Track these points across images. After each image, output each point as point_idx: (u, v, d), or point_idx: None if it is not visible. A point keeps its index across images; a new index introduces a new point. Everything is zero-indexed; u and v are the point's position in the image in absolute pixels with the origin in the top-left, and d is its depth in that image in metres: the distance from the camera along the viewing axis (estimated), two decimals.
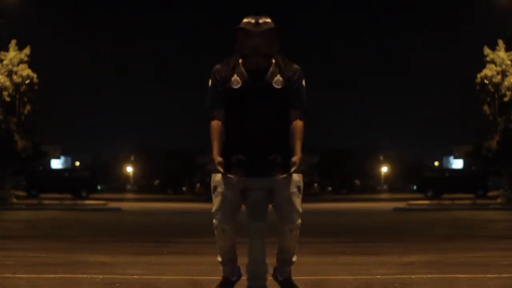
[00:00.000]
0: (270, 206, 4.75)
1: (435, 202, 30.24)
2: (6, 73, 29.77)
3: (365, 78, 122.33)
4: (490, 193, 36.48)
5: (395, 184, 72.13)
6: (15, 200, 29.92)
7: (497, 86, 30.22)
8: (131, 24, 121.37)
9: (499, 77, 30.15)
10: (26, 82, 30.06)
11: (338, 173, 64.42)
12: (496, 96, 30.47)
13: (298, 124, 4.55)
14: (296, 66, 4.59)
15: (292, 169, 4.52)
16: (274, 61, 4.52)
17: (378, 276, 6.36)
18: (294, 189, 4.73)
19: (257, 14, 4.54)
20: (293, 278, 5.36)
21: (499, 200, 30.48)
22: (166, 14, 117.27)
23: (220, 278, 6.16)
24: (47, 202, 29.54)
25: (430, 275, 6.32)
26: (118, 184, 72.11)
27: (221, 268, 5.08)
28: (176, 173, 64.55)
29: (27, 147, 30.58)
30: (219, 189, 4.59)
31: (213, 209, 4.70)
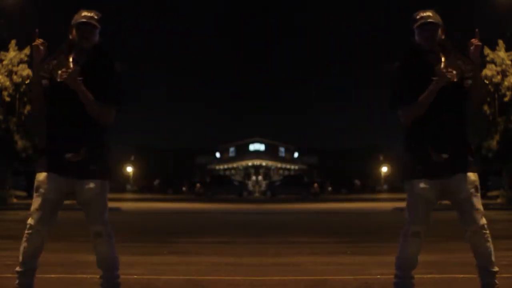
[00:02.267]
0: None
1: None
2: (6, 73, 29.77)
3: (365, 78, 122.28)
4: (490, 193, 36.47)
5: (395, 184, 72.14)
6: (15, 200, 29.91)
7: (497, 86, 30.22)
8: (131, 24, 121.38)
9: (499, 77, 30.15)
10: (26, 82, 30.05)
11: (338, 173, 64.41)
12: (496, 96, 30.47)
13: None
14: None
15: None
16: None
17: (378, 276, 6.36)
18: None
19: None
20: (293, 278, 5.37)
21: (499, 200, 30.47)
22: (166, 14, 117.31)
23: (219, 278, 6.18)
24: None
25: (430, 275, 6.33)
26: (118, 184, 72.13)
27: (17, 282, 4.74)
28: (176, 173, 64.55)
29: (27, 147, 30.58)
30: (41, 190, 4.57)
31: (32, 208, 4.61)
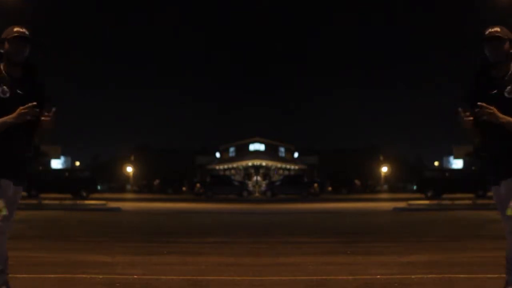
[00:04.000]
0: None
1: (435, 202, 30.21)
2: None
3: (365, 78, 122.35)
4: (490, 193, 36.47)
5: (395, 184, 72.18)
6: None
7: None
8: (131, 24, 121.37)
9: None
10: None
11: (338, 173, 64.43)
12: None
13: None
14: None
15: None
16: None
17: (378, 276, 6.36)
18: None
19: None
20: (293, 278, 5.36)
21: None
22: (167, 14, 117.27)
23: (219, 278, 6.19)
24: (47, 202, 29.51)
25: (430, 275, 6.33)
26: (118, 184, 72.15)
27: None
28: (176, 173, 64.55)
29: None
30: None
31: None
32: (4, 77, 4.66)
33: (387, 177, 75.14)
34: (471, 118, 4.65)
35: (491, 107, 4.47)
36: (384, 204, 30.48)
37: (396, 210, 24.23)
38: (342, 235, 12.85)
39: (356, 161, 77.57)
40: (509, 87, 4.55)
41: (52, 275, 6.35)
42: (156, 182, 60.77)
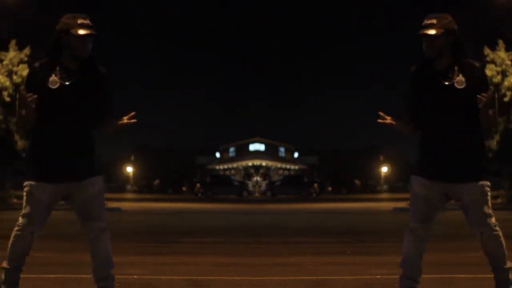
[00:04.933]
0: None
1: None
2: (6, 73, 29.77)
3: (365, 78, 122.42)
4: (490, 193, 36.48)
5: (395, 184, 72.13)
6: (15, 200, 29.91)
7: (497, 86, 30.21)
8: (130, 24, 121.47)
9: (499, 77, 30.15)
10: None
11: (338, 173, 64.42)
12: (496, 96, 30.44)
13: None
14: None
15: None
16: None
17: (378, 276, 6.36)
18: None
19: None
20: (293, 278, 5.36)
21: (499, 200, 30.48)
22: (167, 14, 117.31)
23: (219, 278, 6.18)
24: None
25: (430, 275, 6.33)
26: (118, 184, 72.12)
27: (2, 278, 4.61)
28: (176, 173, 64.55)
29: (27, 147, 30.58)
30: (34, 193, 4.53)
31: (23, 208, 4.62)
32: (58, 67, 4.44)
33: (387, 177, 75.10)
34: (389, 121, 4.58)
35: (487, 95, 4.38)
36: (384, 204, 30.48)
37: (396, 210, 24.23)
38: (342, 235, 12.86)
39: (356, 161, 77.48)
40: (458, 77, 4.43)
41: (52, 275, 6.35)
42: (156, 182, 60.77)
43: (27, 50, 30.41)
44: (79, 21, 4.44)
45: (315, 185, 49.35)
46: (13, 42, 30.31)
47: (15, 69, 29.94)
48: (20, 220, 4.63)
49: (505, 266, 4.52)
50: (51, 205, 4.61)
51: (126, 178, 75.74)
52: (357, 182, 59.83)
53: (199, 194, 47.20)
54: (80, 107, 4.40)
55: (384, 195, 51.10)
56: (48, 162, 4.43)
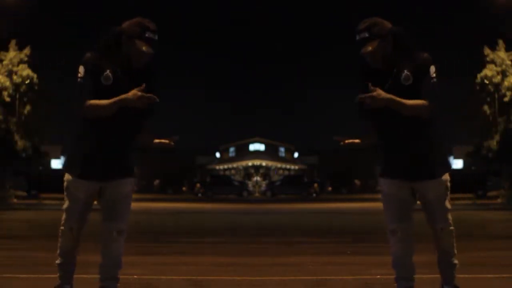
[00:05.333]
0: None
1: None
2: (6, 73, 29.77)
3: None
4: (490, 193, 36.46)
5: None
6: (15, 200, 29.94)
7: (497, 86, 30.22)
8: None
9: (499, 77, 30.15)
10: (26, 82, 30.06)
11: (338, 173, 64.41)
12: (496, 96, 30.47)
13: None
14: None
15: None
16: None
17: (378, 276, 6.36)
18: None
19: None
20: (294, 278, 5.35)
21: (499, 200, 30.49)
22: (167, 14, 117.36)
23: (219, 278, 6.18)
24: (47, 202, 29.54)
25: (430, 275, 6.33)
26: None
27: (58, 274, 4.72)
28: (176, 173, 64.53)
29: (27, 147, 30.57)
30: (71, 189, 4.62)
31: (64, 205, 4.70)
32: (111, 63, 4.34)
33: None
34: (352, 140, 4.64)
35: (375, 90, 4.27)
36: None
37: None
38: (342, 235, 12.86)
39: (356, 161, 77.47)
40: (404, 74, 4.35)
41: (52, 275, 6.34)
42: (156, 182, 60.74)
43: (27, 50, 30.43)
44: (147, 35, 4.39)
45: (315, 185, 49.32)
46: (13, 42, 30.33)
47: (15, 69, 29.96)
48: (62, 215, 4.72)
49: (454, 262, 4.66)
50: (88, 202, 4.64)
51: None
52: (357, 182, 59.79)
53: (199, 194, 47.19)
54: (127, 107, 4.32)
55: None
56: (86, 158, 4.47)
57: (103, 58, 4.34)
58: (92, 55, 4.35)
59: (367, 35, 4.39)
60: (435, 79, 4.35)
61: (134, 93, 4.24)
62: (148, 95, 4.29)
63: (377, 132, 4.63)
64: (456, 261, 4.68)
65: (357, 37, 4.45)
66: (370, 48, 4.36)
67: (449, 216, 4.70)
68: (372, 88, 4.29)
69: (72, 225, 4.67)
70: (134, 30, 4.36)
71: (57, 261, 4.69)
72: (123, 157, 4.54)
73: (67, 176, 4.60)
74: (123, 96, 4.23)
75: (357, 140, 4.71)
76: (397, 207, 4.60)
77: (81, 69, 4.32)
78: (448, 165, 4.67)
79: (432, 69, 4.36)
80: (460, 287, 4.72)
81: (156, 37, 4.45)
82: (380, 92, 4.26)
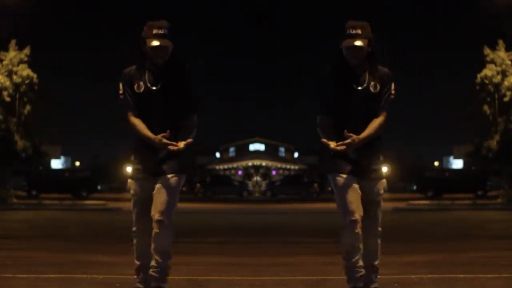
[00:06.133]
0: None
1: (435, 202, 30.23)
2: (6, 73, 29.77)
3: None
4: (490, 193, 36.47)
5: (395, 184, 72.13)
6: (15, 200, 29.92)
7: (497, 86, 30.21)
8: (131, 24, 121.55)
9: (499, 77, 30.15)
10: (26, 82, 30.06)
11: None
12: (496, 96, 30.47)
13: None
14: None
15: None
16: None
17: (378, 276, 6.35)
18: None
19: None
20: (294, 278, 5.34)
21: (499, 200, 30.48)
22: (168, 14, 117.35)
23: (219, 278, 6.18)
24: (47, 202, 29.54)
25: (430, 275, 6.33)
26: (118, 184, 72.10)
27: (138, 278, 4.95)
28: None
29: (27, 147, 30.59)
30: (131, 191, 4.89)
31: (132, 208, 4.94)
32: (144, 73, 4.76)
33: (387, 177, 75.02)
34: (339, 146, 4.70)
35: (350, 139, 4.59)
36: (384, 204, 30.43)
37: (396, 210, 24.24)
38: None
39: None
40: (373, 82, 4.73)
41: (52, 275, 6.35)
42: None
43: (27, 50, 30.42)
44: (154, 31, 4.69)
45: (315, 185, 49.29)
46: (13, 42, 30.32)
47: (15, 69, 29.95)
48: (132, 218, 4.93)
49: (376, 263, 4.88)
50: (147, 201, 4.80)
51: (126, 178, 75.73)
52: None
53: (199, 194, 47.21)
54: (164, 110, 4.70)
55: (384, 195, 51.03)
56: (139, 159, 4.81)
57: (135, 69, 4.80)
58: (127, 70, 4.82)
59: (360, 32, 4.65)
60: (393, 96, 4.79)
61: (159, 139, 4.62)
62: (171, 144, 4.64)
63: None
64: (377, 263, 4.90)
65: (351, 31, 4.66)
66: (361, 43, 4.64)
67: (380, 218, 4.93)
68: (347, 134, 4.60)
69: (141, 225, 4.85)
70: (145, 32, 4.74)
71: (136, 262, 4.91)
72: (168, 157, 4.77)
73: (130, 180, 4.89)
74: (152, 137, 4.65)
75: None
76: (356, 198, 4.79)
77: (120, 86, 4.82)
78: (382, 171, 4.97)
79: (393, 85, 4.80)
80: None
81: (164, 31, 4.69)
82: (354, 138, 4.61)
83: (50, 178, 39.72)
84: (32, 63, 30.47)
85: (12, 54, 30.11)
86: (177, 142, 4.68)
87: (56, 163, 71.82)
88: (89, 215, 20.65)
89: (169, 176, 4.75)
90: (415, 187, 43.19)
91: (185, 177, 4.90)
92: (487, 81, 30.27)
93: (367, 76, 4.74)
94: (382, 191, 4.93)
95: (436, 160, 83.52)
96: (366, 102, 4.71)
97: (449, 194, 36.14)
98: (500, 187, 31.88)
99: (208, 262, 7.69)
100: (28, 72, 30.02)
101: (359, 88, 4.71)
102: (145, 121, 4.72)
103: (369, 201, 4.85)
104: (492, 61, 30.35)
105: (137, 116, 4.75)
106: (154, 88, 4.72)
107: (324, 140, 4.71)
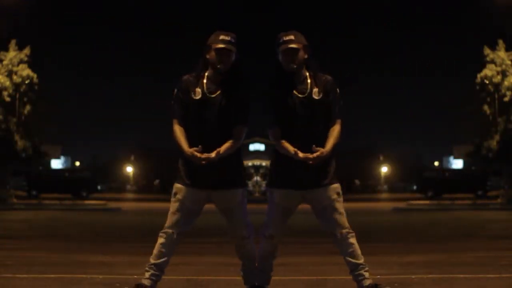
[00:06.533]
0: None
1: (435, 202, 30.23)
2: (6, 73, 29.76)
3: (365, 78, 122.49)
4: (490, 193, 36.46)
5: (395, 184, 72.13)
6: (15, 200, 29.92)
7: (497, 86, 30.20)
8: (131, 24, 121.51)
9: (499, 77, 30.13)
10: (26, 82, 30.05)
11: (338, 173, 64.35)
12: (496, 96, 30.45)
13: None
14: None
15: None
16: None
17: (378, 276, 6.35)
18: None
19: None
20: (293, 278, 5.35)
21: (499, 200, 30.47)
22: (168, 14, 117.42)
23: (219, 278, 6.18)
24: (47, 202, 29.53)
25: (430, 275, 6.33)
26: (118, 184, 72.10)
27: (149, 273, 5.06)
28: (176, 173, 64.48)
29: (27, 147, 30.57)
30: (178, 196, 4.98)
31: (170, 211, 5.06)
32: (204, 80, 4.85)
33: (387, 177, 75.09)
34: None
35: (317, 153, 4.71)
36: (384, 204, 30.48)
37: (396, 210, 24.24)
38: None
39: (356, 161, 77.52)
40: (315, 89, 4.84)
41: (52, 275, 6.35)
42: (156, 182, 60.77)
43: (27, 50, 30.40)
44: (221, 37, 4.81)
45: None
46: (13, 42, 30.30)
47: (15, 69, 29.93)
48: (167, 219, 5.06)
49: (360, 262, 5.00)
50: (195, 209, 5.00)
51: (126, 178, 75.72)
52: (357, 182, 59.81)
53: None
54: (218, 118, 4.78)
55: (384, 195, 51.09)
56: (191, 167, 4.84)
57: (194, 76, 4.88)
58: (185, 77, 4.91)
59: (293, 37, 4.82)
60: (341, 101, 4.94)
61: (191, 152, 4.71)
62: (203, 158, 4.70)
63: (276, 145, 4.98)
64: (362, 261, 5.01)
65: (284, 38, 4.82)
66: (295, 45, 4.79)
67: (346, 221, 5.07)
68: (315, 149, 4.72)
69: (175, 229, 5.01)
70: (211, 39, 4.87)
71: (152, 261, 5.00)
72: (229, 169, 4.90)
73: (177, 184, 4.95)
74: (185, 150, 4.75)
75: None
76: (281, 216, 5.01)
77: (174, 92, 4.89)
78: (336, 175, 5.05)
79: (338, 90, 4.93)
80: (378, 284, 4.98)
81: (230, 39, 4.82)
82: (323, 151, 4.74)
83: (50, 178, 39.71)
84: (32, 63, 30.46)
85: (12, 54, 30.09)
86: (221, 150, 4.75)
87: (56, 163, 71.83)
88: (89, 215, 20.64)
89: (231, 190, 4.90)
90: (415, 187, 43.19)
91: (246, 189, 5.04)
92: (487, 81, 30.26)
93: (308, 83, 4.84)
94: (335, 196, 4.99)
95: (436, 160, 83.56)
96: (310, 109, 4.80)
97: (449, 194, 36.15)
98: (500, 187, 31.88)
99: (208, 262, 7.69)
100: (28, 72, 30.00)
101: (301, 95, 4.82)
102: (197, 129, 4.78)
103: (322, 209, 4.99)
104: (492, 61, 30.32)
105: (181, 125, 4.83)
106: (212, 95, 4.79)
107: (292, 150, 4.76)
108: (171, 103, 4.89)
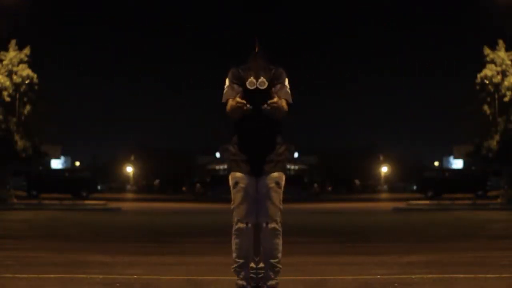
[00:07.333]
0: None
1: (435, 202, 30.20)
2: (6, 73, 29.75)
3: (365, 78, 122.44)
4: (490, 193, 36.46)
5: (395, 184, 72.12)
6: (15, 200, 29.90)
7: (497, 86, 30.19)
8: (131, 24, 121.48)
9: (499, 77, 30.12)
10: (26, 82, 30.04)
11: (338, 173, 64.40)
12: (496, 96, 30.44)
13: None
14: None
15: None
16: None
17: (378, 276, 6.36)
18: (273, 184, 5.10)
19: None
20: (293, 278, 5.36)
21: (499, 200, 30.45)
22: (168, 14, 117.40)
23: (219, 278, 6.17)
24: (47, 202, 29.51)
25: (430, 275, 6.33)
26: (118, 184, 72.09)
27: (241, 275, 5.19)
28: (176, 173, 64.54)
29: (27, 147, 30.56)
30: (241, 185, 5.07)
31: (234, 204, 5.11)
32: (257, 72, 5.19)
33: (387, 177, 75.08)
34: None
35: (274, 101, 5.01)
36: (384, 204, 30.48)
37: (396, 210, 24.24)
38: (342, 235, 12.86)
39: (356, 161, 77.48)
40: (260, 79, 5.17)
41: (52, 275, 6.35)
42: (156, 182, 60.75)
43: (27, 50, 30.39)
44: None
45: (315, 185, 49.31)
46: (13, 42, 30.29)
47: (15, 69, 29.92)
48: (234, 215, 5.13)
49: (274, 263, 5.06)
50: (254, 194, 5.04)
51: (126, 178, 75.72)
52: (357, 182, 59.77)
53: (199, 194, 47.19)
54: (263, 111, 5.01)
55: (383, 195, 51.08)
56: (243, 154, 5.06)
57: (245, 68, 5.25)
58: (236, 68, 5.27)
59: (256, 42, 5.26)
60: (288, 89, 5.22)
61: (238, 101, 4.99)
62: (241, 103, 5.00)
63: (237, 134, 5.18)
64: (276, 261, 5.08)
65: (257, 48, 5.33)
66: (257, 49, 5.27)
67: (278, 216, 5.05)
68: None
69: (247, 219, 5.05)
70: (255, 49, 5.29)
71: (238, 260, 5.12)
72: (268, 155, 5.07)
73: (236, 173, 5.05)
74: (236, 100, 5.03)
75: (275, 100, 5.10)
76: (249, 201, 5.05)
77: (227, 81, 5.22)
78: (283, 166, 5.14)
79: (286, 80, 5.25)
80: None
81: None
82: (277, 101, 5.04)
83: (50, 178, 39.70)
84: (32, 63, 30.45)
85: (12, 54, 30.08)
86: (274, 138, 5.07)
87: (56, 163, 71.84)
88: (89, 215, 20.64)
89: (272, 175, 5.02)
90: (415, 187, 43.17)
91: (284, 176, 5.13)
92: (487, 81, 30.25)
93: (255, 75, 5.16)
94: (272, 185, 5.04)
95: (436, 160, 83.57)
96: (258, 100, 5.04)
97: (449, 194, 36.13)
98: (500, 187, 31.85)
99: (208, 262, 7.69)
100: (28, 72, 29.98)
101: (251, 87, 5.12)
102: (249, 119, 5.03)
103: (261, 197, 5.04)
104: (492, 61, 30.31)
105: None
106: (262, 88, 5.11)
107: (240, 102, 5.02)
108: (225, 91, 5.26)
